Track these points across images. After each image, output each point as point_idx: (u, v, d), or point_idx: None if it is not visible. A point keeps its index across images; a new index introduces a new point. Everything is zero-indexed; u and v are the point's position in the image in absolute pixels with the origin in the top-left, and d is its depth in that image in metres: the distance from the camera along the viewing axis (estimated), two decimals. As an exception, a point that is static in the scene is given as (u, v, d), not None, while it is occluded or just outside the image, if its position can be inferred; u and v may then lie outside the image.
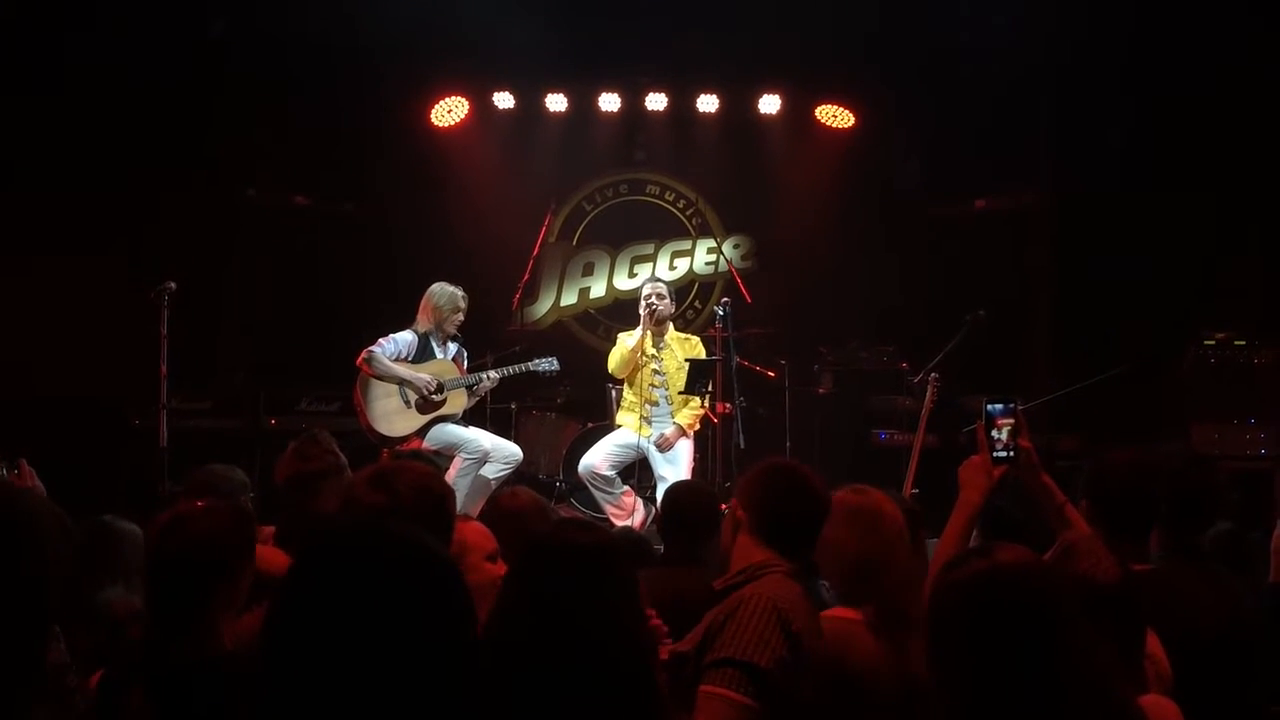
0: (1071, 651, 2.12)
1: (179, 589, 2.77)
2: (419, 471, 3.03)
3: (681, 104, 10.63)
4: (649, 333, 7.82)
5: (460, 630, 1.64)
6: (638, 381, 7.88)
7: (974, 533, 3.25)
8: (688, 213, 11.02)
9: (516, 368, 7.84)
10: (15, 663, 1.88)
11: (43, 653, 2.01)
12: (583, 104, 10.61)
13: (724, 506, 7.35)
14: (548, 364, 7.94)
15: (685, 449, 7.86)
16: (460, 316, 7.71)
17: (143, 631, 2.81)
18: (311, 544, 1.70)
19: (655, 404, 7.88)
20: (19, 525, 1.98)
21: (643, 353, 7.83)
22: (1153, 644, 2.88)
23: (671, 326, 8.10)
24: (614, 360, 7.93)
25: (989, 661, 2.13)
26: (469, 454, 7.46)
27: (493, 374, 7.76)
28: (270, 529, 3.93)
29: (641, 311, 7.85)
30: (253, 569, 2.91)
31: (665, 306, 7.92)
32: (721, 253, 10.44)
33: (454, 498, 3.13)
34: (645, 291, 7.96)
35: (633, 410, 7.90)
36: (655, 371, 7.87)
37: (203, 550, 2.79)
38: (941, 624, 2.23)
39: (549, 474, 8.92)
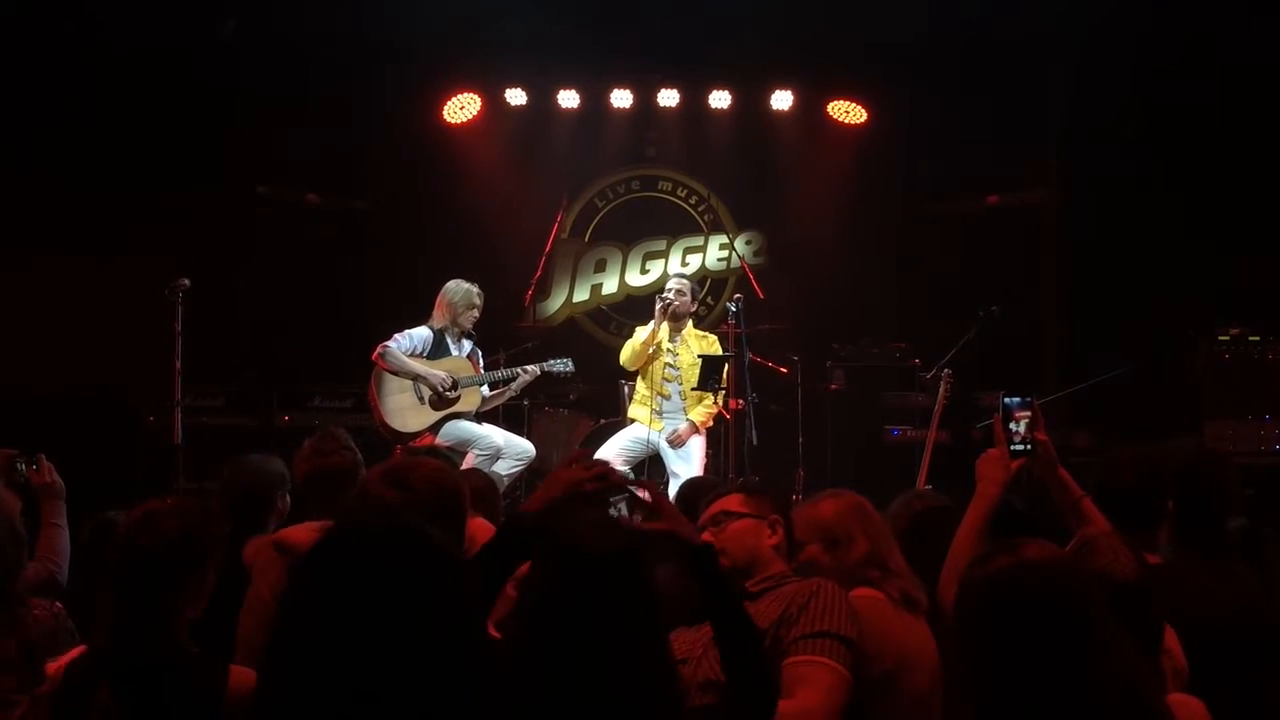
0: (1100, 650, 2.11)
1: (149, 585, 2.78)
2: (434, 467, 3.03)
3: (693, 100, 10.62)
4: (662, 326, 7.82)
5: (468, 626, 1.64)
6: (650, 374, 7.89)
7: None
8: (700, 209, 11.02)
9: (532, 371, 7.83)
10: None
11: None
12: (595, 100, 10.61)
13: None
14: (562, 364, 7.95)
15: (698, 445, 7.86)
16: (475, 313, 7.73)
17: (109, 626, 2.81)
18: (322, 538, 1.70)
19: (667, 398, 7.87)
20: None
21: (656, 346, 7.84)
22: (1170, 639, 2.88)
23: (690, 323, 8.09)
24: (625, 353, 7.95)
25: (1016, 659, 2.12)
26: (481, 450, 7.47)
27: (531, 367, 7.78)
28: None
29: (657, 304, 7.86)
30: (218, 566, 2.94)
31: (683, 302, 7.92)
32: (734, 249, 10.43)
33: (468, 494, 3.13)
34: (668, 285, 8.00)
35: (645, 404, 7.90)
36: (669, 365, 7.87)
37: (173, 547, 2.81)
38: (968, 621, 2.22)
39: (562, 470, 8.91)
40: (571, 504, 2.50)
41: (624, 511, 2.53)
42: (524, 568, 2.43)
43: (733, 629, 2.50)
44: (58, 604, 3.45)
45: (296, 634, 1.60)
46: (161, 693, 2.64)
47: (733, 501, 3.17)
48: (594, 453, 7.96)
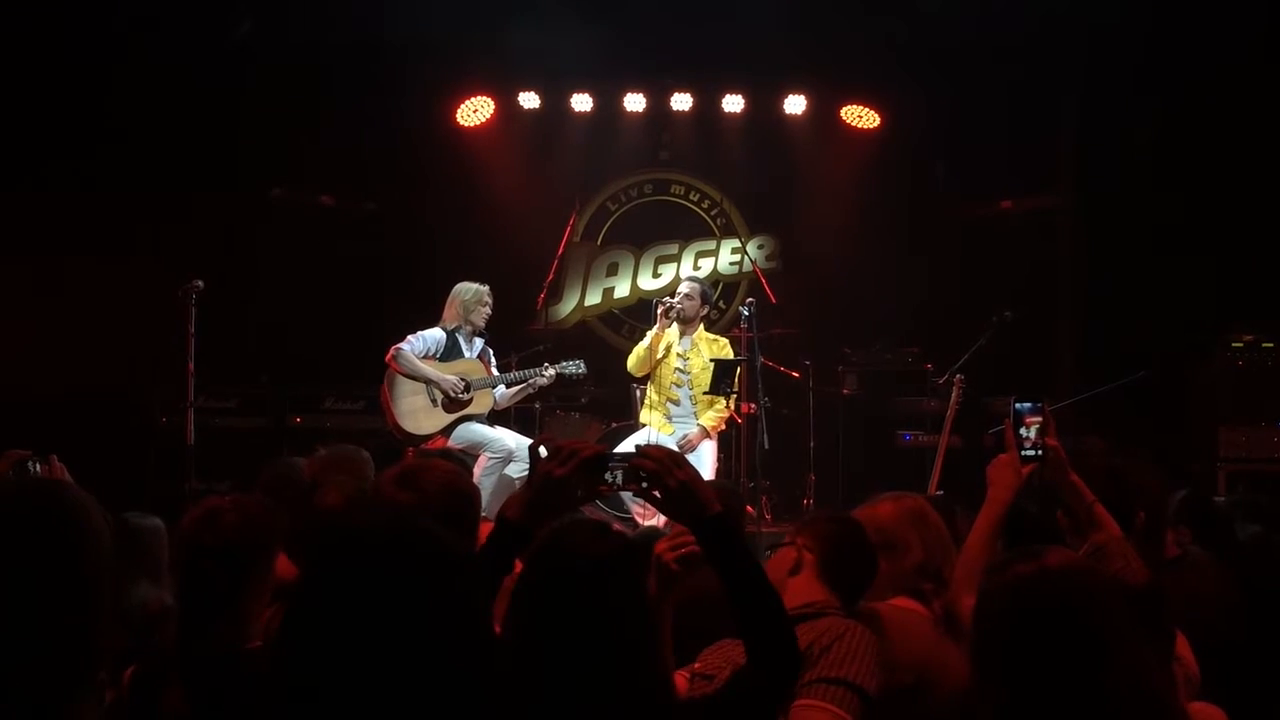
0: (1119, 656, 2.10)
1: (215, 582, 2.79)
2: (446, 470, 3.04)
3: (706, 104, 10.64)
4: (672, 329, 7.82)
5: (477, 628, 1.64)
6: (658, 379, 7.89)
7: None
8: (712, 213, 11.02)
9: (545, 376, 7.82)
10: (72, 662, 1.89)
11: (97, 653, 2.02)
12: (608, 104, 10.62)
13: (750, 509, 7.37)
14: (575, 366, 7.94)
15: (709, 450, 7.85)
16: (487, 309, 7.73)
17: (176, 625, 2.83)
18: (332, 539, 1.70)
19: (676, 402, 7.87)
20: (78, 523, 2.00)
21: (665, 350, 7.83)
22: (1181, 646, 2.87)
23: (702, 327, 8.07)
24: (631, 359, 7.96)
25: (1034, 667, 2.11)
26: (493, 453, 7.47)
27: (550, 370, 7.78)
28: None
29: (658, 309, 7.85)
30: (276, 563, 2.94)
31: (691, 305, 7.90)
32: (746, 253, 10.44)
33: (480, 497, 3.14)
34: (679, 288, 8.02)
35: (655, 408, 7.90)
36: (678, 370, 7.86)
37: (237, 543, 2.82)
38: (987, 627, 2.22)
39: (573, 473, 8.90)
40: (551, 495, 2.42)
41: (619, 480, 2.44)
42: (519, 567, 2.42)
43: (750, 597, 2.35)
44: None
45: (304, 636, 1.61)
46: (233, 688, 2.64)
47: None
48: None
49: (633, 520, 7.53)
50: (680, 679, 2.77)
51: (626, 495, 7.71)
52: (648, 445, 2.51)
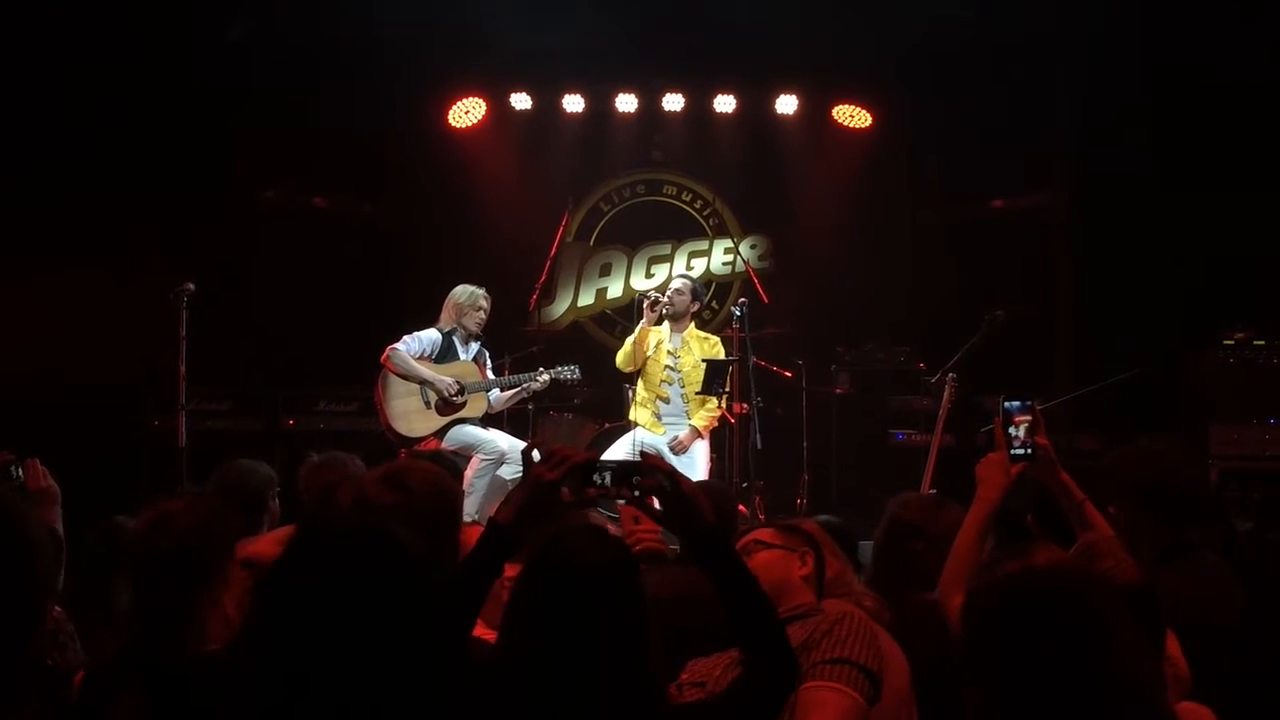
0: (1107, 656, 2.10)
1: (167, 585, 2.77)
2: (431, 471, 3.03)
3: (698, 104, 10.63)
4: (663, 326, 7.82)
5: (440, 629, 1.63)
6: (648, 376, 7.89)
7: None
8: (705, 213, 11.01)
9: (540, 380, 7.81)
10: (9, 673, 1.88)
11: (32, 658, 2.01)
12: (600, 104, 10.61)
13: (743, 509, 7.35)
14: (570, 371, 7.93)
15: (701, 450, 7.85)
16: (481, 315, 7.74)
17: (130, 629, 2.80)
18: (297, 540, 1.70)
19: (666, 400, 7.86)
20: (13, 531, 1.99)
21: (655, 347, 7.83)
22: (1171, 645, 2.86)
23: (693, 325, 8.07)
24: (619, 355, 7.98)
25: (1024, 667, 2.11)
26: (486, 455, 7.47)
27: (544, 376, 7.77)
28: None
29: (644, 304, 7.85)
30: (232, 564, 2.93)
31: (680, 301, 7.90)
32: (738, 253, 10.43)
33: (462, 499, 3.14)
34: (670, 285, 8.03)
35: (645, 406, 7.90)
36: (669, 368, 7.86)
37: (190, 546, 2.81)
38: (975, 625, 2.22)
39: (566, 474, 8.89)
40: (542, 499, 2.42)
41: (607, 481, 2.45)
42: (510, 570, 2.41)
43: (745, 606, 2.39)
44: (57, 608, 3.45)
45: (264, 644, 1.60)
46: (186, 692, 2.63)
47: (764, 534, 3.15)
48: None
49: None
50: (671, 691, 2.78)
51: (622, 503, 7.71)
52: (651, 456, 2.53)
